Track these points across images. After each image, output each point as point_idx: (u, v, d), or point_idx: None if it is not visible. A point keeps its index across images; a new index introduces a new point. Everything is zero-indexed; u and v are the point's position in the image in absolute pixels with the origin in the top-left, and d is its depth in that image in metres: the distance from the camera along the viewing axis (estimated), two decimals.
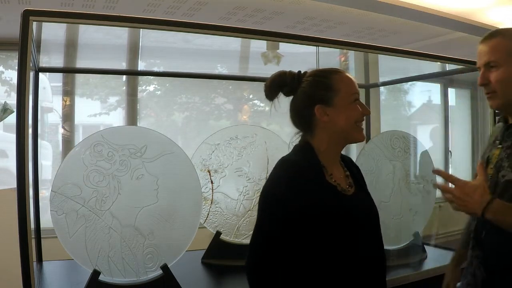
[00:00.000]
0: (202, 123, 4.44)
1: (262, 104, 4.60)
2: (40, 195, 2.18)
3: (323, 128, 1.26)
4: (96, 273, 1.70)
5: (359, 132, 1.28)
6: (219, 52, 4.27)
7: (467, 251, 1.45)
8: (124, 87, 4.16)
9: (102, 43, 3.76)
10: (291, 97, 1.31)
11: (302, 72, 1.31)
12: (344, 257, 1.20)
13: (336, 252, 1.19)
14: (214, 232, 2.29)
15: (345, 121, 1.24)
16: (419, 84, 5.55)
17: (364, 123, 1.31)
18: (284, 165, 1.26)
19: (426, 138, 5.41)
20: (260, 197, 1.25)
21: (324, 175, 1.24)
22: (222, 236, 2.29)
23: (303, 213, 1.17)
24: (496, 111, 2.37)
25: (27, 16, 1.45)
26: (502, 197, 1.24)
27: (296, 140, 1.33)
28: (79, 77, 3.95)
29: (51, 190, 1.68)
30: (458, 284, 1.53)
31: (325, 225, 1.18)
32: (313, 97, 1.25)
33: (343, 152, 1.36)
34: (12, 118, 1.91)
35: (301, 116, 1.29)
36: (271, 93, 1.30)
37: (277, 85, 1.29)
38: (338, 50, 3.04)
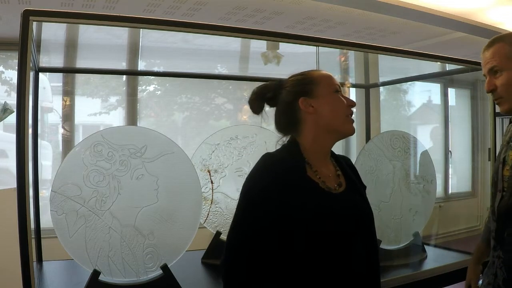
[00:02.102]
0: (202, 123, 4.44)
1: None
2: (40, 195, 2.18)
3: (310, 122, 1.25)
4: (96, 273, 1.70)
5: (349, 124, 1.27)
6: (219, 52, 4.27)
7: (487, 246, 1.46)
8: (124, 87, 4.16)
9: (102, 43, 3.76)
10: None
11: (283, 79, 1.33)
12: (329, 255, 1.17)
13: (320, 250, 1.16)
14: (214, 232, 2.29)
15: (332, 113, 1.25)
16: (419, 84, 5.56)
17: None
18: (264, 160, 1.24)
19: (426, 138, 5.42)
20: (241, 192, 1.23)
21: (306, 171, 1.22)
22: (222, 236, 2.29)
23: (281, 208, 1.15)
24: (496, 111, 2.37)
25: (27, 16, 1.45)
26: None
27: (283, 140, 1.32)
28: (79, 77, 3.95)
29: (51, 190, 1.68)
30: (480, 281, 1.53)
31: (304, 222, 1.15)
32: (295, 92, 1.27)
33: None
34: (12, 118, 1.91)
35: (286, 114, 1.29)
36: (256, 105, 1.31)
37: (260, 96, 1.30)
38: (338, 50, 3.04)
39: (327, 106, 1.25)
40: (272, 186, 1.16)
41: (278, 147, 1.31)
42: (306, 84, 1.27)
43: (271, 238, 1.15)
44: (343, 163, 1.35)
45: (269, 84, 1.31)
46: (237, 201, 1.22)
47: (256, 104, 1.31)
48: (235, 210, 1.21)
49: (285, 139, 1.31)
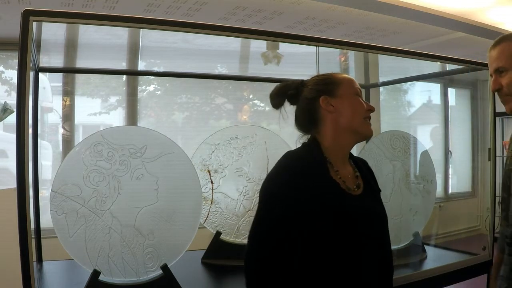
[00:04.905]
0: (202, 123, 4.44)
1: (262, 104, 4.60)
2: (40, 195, 2.18)
3: (329, 121, 1.27)
4: (96, 273, 1.70)
5: (368, 126, 1.30)
6: (219, 52, 4.27)
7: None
8: (124, 87, 4.16)
9: (102, 43, 3.76)
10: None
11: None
12: (344, 257, 1.19)
13: (336, 252, 1.18)
14: (214, 232, 2.29)
15: (351, 114, 1.27)
16: (419, 84, 5.55)
17: None
18: (286, 158, 1.26)
19: (426, 138, 5.41)
20: (260, 189, 1.25)
21: (328, 171, 1.24)
22: (222, 236, 2.29)
23: (302, 207, 1.16)
24: (496, 111, 2.37)
25: (27, 16, 1.45)
26: None
27: (304, 139, 1.34)
28: (79, 77, 3.95)
29: (51, 190, 1.68)
30: None
31: (324, 221, 1.17)
32: (317, 90, 1.29)
33: None
34: (12, 118, 1.91)
35: (306, 111, 1.31)
36: (277, 101, 1.33)
37: (282, 92, 1.33)
38: (338, 50, 3.04)
39: (347, 107, 1.27)
40: (292, 183, 1.18)
41: (299, 145, 1.33)
42: (329, 83, 1.30)
43: (289, 235, 1.17)
44: (361, 165, 1.37)
45: (292, 82, 1.34)
46: (259, 198, 1.24)
47: (277, 100, 1.33)
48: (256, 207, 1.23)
49: (306, 138, 1.33)
